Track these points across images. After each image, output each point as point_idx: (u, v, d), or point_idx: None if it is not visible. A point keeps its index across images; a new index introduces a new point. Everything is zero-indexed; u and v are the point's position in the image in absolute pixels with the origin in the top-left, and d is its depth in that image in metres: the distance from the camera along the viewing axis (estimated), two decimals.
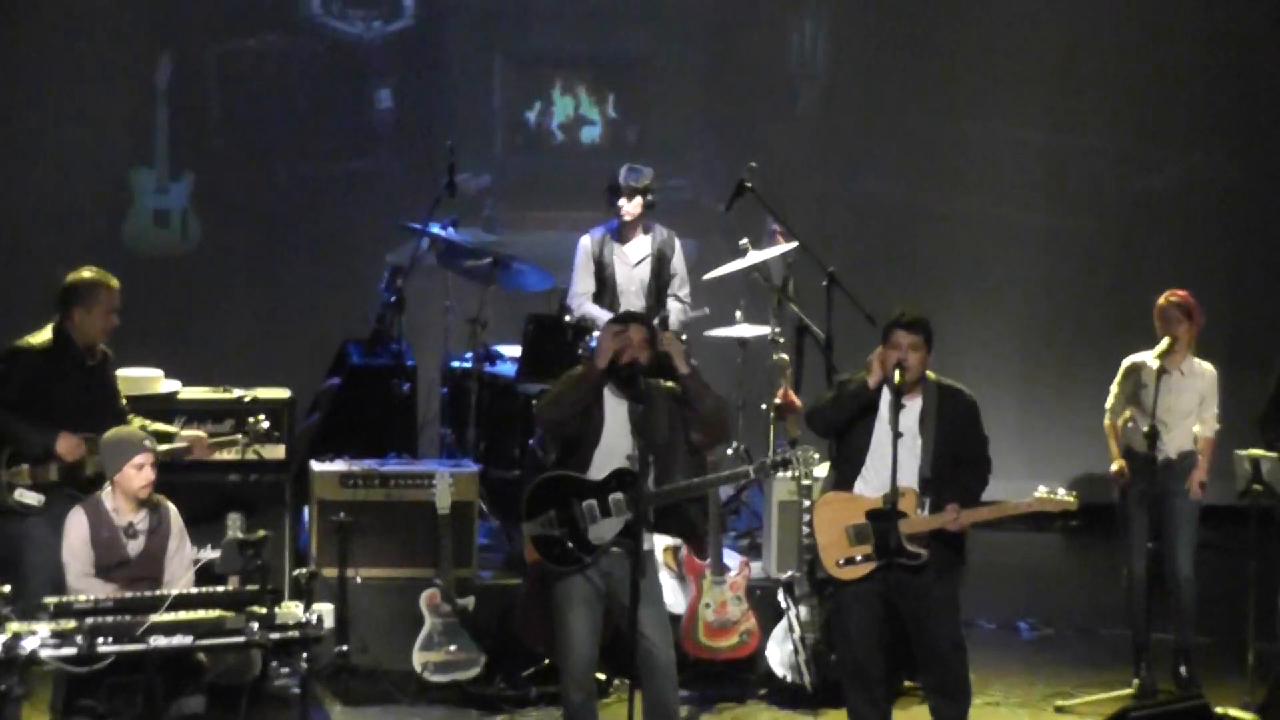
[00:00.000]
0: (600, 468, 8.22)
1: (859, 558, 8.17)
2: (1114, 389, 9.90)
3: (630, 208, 10.62)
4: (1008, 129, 13.32)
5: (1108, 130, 13.41)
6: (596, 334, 10.07)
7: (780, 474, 9.13)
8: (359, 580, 9.84)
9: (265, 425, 9.31)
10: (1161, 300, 9.78)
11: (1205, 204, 13.44)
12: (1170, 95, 13.35)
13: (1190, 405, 9.76)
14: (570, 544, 8.17)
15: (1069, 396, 12.94)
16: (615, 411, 8.24)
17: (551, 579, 8.25)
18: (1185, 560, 9.70)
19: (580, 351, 10.34)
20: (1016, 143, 13.35)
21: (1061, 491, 8.24)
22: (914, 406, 8.22)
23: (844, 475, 8.32)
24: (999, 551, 11.53)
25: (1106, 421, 9.90)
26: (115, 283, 8.82)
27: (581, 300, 10.73)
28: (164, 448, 8.68)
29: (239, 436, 9.28)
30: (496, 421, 10.87)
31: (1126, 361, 9.88)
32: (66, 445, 8.61)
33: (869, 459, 8.23)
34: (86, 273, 8.83)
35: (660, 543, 9.25)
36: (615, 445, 8.22)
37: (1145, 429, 9.56)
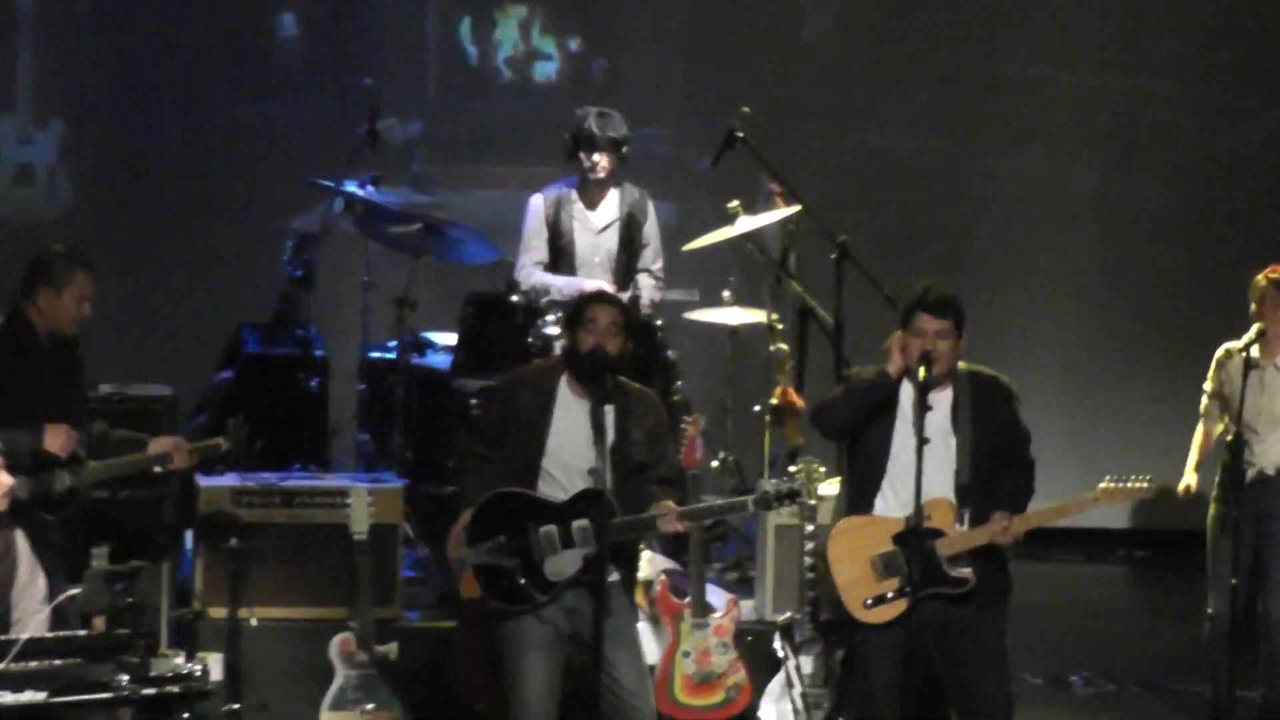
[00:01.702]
0: (551, 483, 8.19)
1: (890, 594, 8.12)
2: (1206, 387, 10.00)
3: (603, 164, 10.62)
4: (1062, 70, 13.35)
5: (1183, 73, 13.51)
6: (552, 317, 10.05)
7: (787, 507, 9.06)
8: (255, 622, 9.81)
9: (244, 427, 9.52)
10: (1259, 278, 9.82)
11: None
12: (1260, 31, 13.41)
13: None
14: (522, 579, 8.15)
15: (1135, 395, 13.11)
16: (570, 412, 8.20)
17: (499, 619, 8.19)
18: None
19: (531, 340, 10.37)
20: (1073, 87, 13.38)
21: (1133, 478, 8.20)
22: (943, 402, 8.18)
23: (860, 492, 8.26)
24: (1047, 589, 11.76)
25: (1199, 429, 9.97)
26: (93, 266, 9.05)
27: (531, 271, 10.75)
28: (135, 458, 8.99)
29: (220, 441, 9.34)
30: (427, 425, 10.85)
31: (1219, 351, 9.97)
32: (56, 439, 8.77)
33: (890, 469, 8.19)
34: (60, 248, 9.06)
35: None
36: (570, 457, 8.20)
37: (1230, 436, 9.66)
